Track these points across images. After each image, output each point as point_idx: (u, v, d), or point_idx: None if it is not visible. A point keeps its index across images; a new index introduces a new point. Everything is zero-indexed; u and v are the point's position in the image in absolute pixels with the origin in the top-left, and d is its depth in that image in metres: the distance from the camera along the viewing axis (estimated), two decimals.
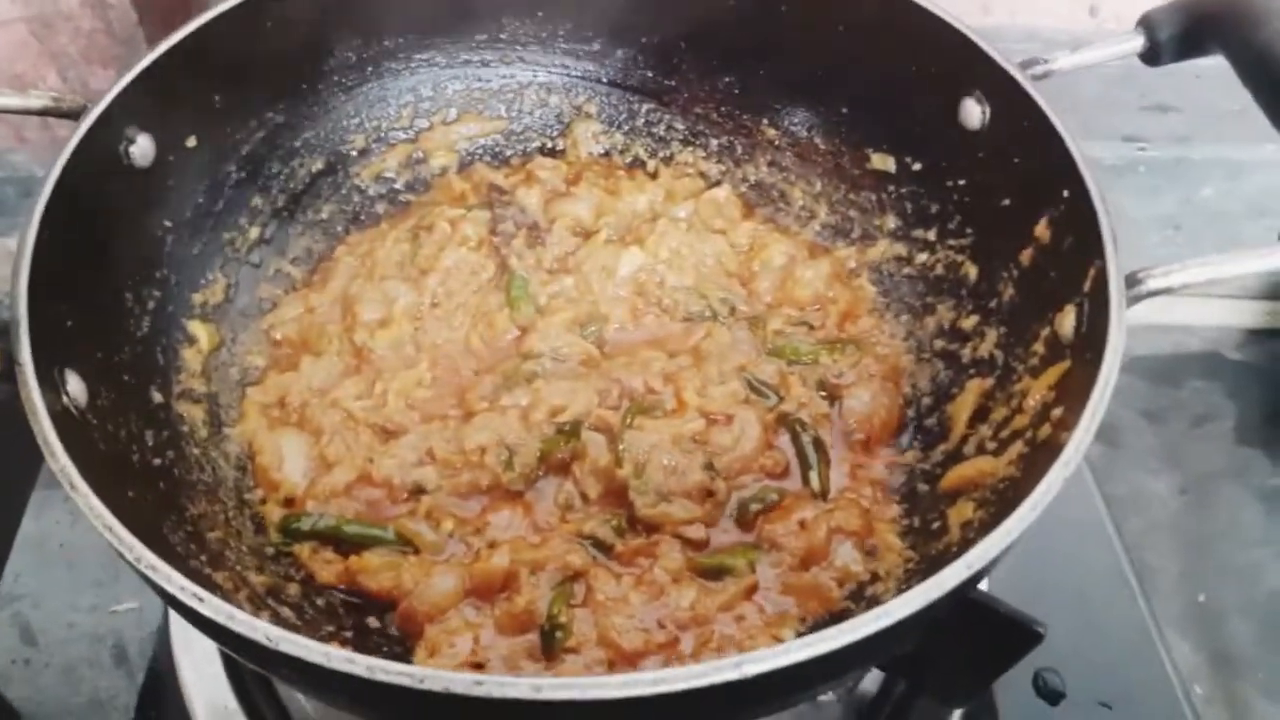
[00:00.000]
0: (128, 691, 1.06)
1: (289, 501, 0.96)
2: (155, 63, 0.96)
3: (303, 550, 0.92)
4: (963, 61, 1.00)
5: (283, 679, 0.72)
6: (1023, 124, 0.96)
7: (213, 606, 0.64)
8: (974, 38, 0.99)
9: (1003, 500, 0.85)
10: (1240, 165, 1.66)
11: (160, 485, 0.89)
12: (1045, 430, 0.85)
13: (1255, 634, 1.46)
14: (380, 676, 0.61)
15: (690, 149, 1.24)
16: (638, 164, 1.24)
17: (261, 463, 0.98)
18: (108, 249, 0.94)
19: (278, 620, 0.84)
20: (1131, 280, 0.84)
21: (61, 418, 0.76)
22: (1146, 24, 0.99)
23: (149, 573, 0.66)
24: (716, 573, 0.93)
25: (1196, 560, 1.54)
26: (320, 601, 0.90)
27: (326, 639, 0.84)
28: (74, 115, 0.92)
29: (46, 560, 1.13)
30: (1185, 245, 1.70)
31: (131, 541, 0.67)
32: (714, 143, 1.24)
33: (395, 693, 0.62)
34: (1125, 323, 0.81)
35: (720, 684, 0.62)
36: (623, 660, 0.86)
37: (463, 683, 0.61)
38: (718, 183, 1.23)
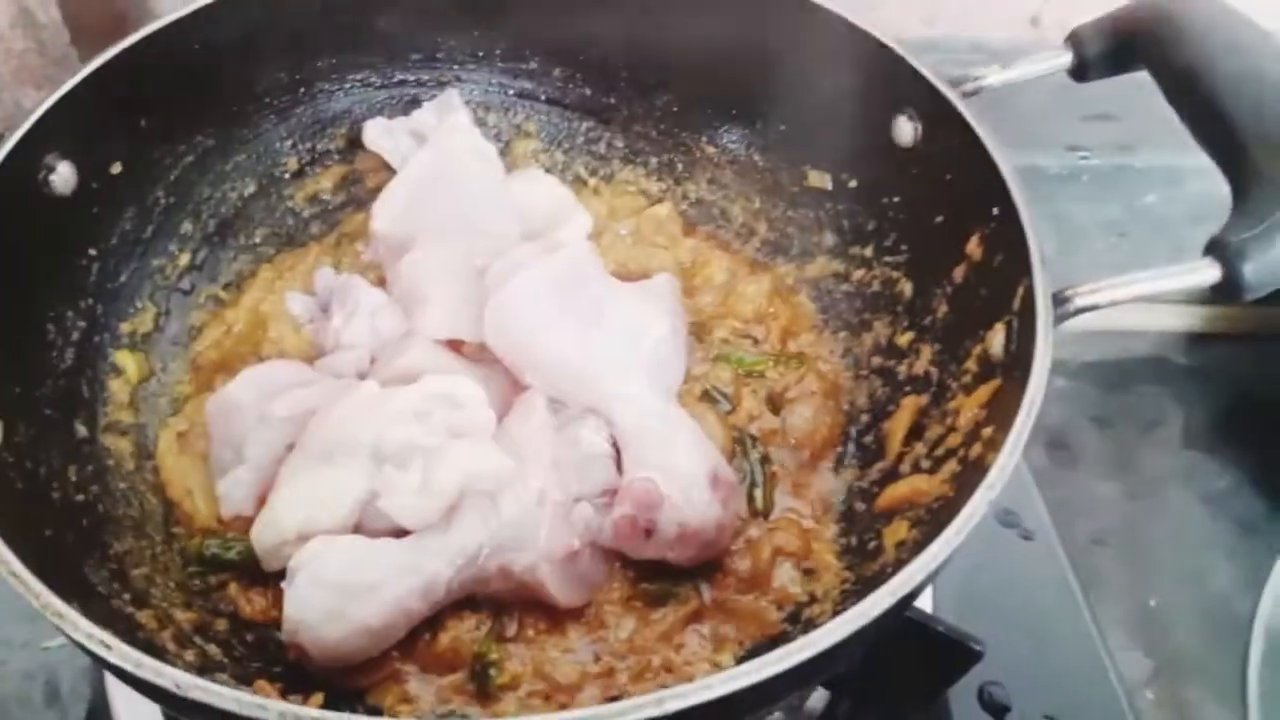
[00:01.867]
0: None
1: (207, 533, 0.94)
2: (76, 89, 0.94)
3: (230, 585, 0.90)
4: (894, 79, 1.00)
5: None
6: (953, 141, 0.96)
7: (119, 653, 0.63)
8: (904, 55, 0.99)
9: (936, 520, 0.85)
10: (1181, 172, 1.69)
11: (83, 522, 0.87)
12: (976, 449, 0.85)
13: (1205, 637, 1.47)
14: None
15: (631, 167, 1.24)
16: (578, 182, 1.23)
17: (172, 495, 0.96)
18: (27, 280, 0.92)
19: (204, 658, 0.83)
20: (1059, 299, 0.84)
21: None
22: (1075, 40, 1.00)
23: (55, 620, 0.65)
24: (660, 599, 0.92)
25: (1147, 565, 1.54)
26: (250, 637, 0.88)
27: (254, 676, 0.82)
28: None
29: None
30: (1130, 252, 1.72)
31: (39, 588, 0.66)
32: (654, 160, 1.23)
33: None
34: (1051, 341, 0.81)
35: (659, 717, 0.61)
36: (558, 693, 0.85)
37: None
38: (659, 200, 1.22)
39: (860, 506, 0.96)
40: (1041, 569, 1.23)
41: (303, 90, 1.17)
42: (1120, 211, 1.72)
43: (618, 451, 0.95)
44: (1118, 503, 1.62)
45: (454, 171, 1.09)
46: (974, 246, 0.95)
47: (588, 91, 1.23)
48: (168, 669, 0.61)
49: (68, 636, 0.65)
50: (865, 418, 1.03)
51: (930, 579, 0.71)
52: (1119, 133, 1.70)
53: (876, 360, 1.05)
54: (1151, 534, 1.58)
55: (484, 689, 0.86)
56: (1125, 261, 0.90)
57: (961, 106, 0.96)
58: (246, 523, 0.92)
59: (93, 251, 1.01)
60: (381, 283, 1.06)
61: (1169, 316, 1.83)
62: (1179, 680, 1.45)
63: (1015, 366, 0.84)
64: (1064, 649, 1.16)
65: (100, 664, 0.65)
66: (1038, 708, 1.08)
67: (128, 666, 0.62)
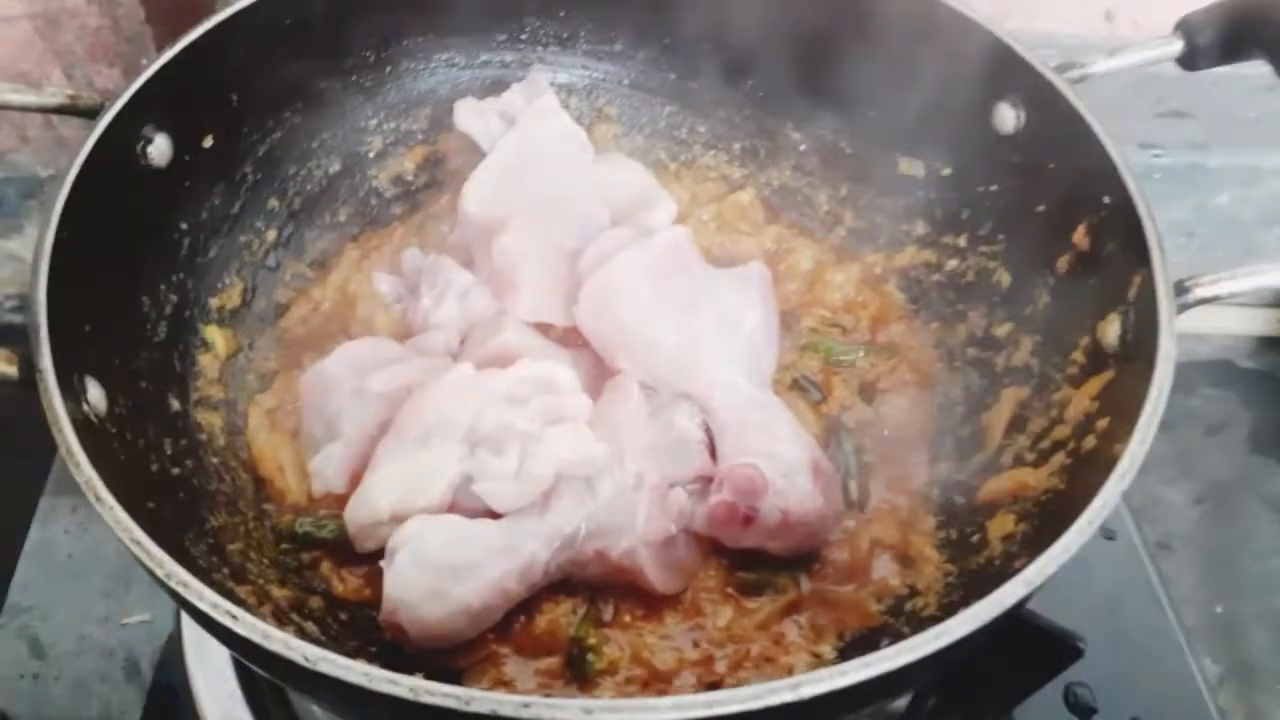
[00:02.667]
0: (139, 705, 1.03)
1: (300, 510, 0.93)
2: (172, 60, 0.94)
3: (323, 563, 0.89)
4: (997, 65, 0.98)
5: (317, 700, 0.69)
6: (1060, 129, 0.94)
7: (247, 625, 0.62)
8: (1009, 41, 0.98)
9: (1046, 513, 0.83)
10: (1256, 172, 1.65)
11: (180, 496, 0.86)
12: (1090, 441, 0.83)
13: (1273, 644, 1.45)
14: (425, 699, 0.59)
15: (712, 152, 1.22)
16: (659, 166, 1.22)
17: (263, 472, 0.95)
18: (126, 252, 0.92)
19: (302, 635, 0.81)
20: (1179, 288, 0.83)
21: (83, 426, 0.74)
22: (1185, 28, 0.98)
23: (180, 589, 0.64)
24: (757, 588, 0.91)
25: (1214, 571, 1.53)
26: (344, 616, 0.87)
27: (352, 654, 0.81)
28: (91, 113, 0.90)
29: (54, 571, 1.10)
30: (1198, 253, 1.69)
31: (161, 557, 0.65)
32: (737, 146, 1.22)
33: (439, 715, 0.60)
34: (1175, 331, 0.79)
35: (775, 706, 0.59)
36: (656, 680, 0.84)
37: (510, 705, 0.59)
38: (740, 186, 1.21)
39: (959, 499, 0.94)
40: (1124, 568, 1.21)
41: (389, 69, 1.16)
42: (1190, 211, 1.69)
43: (709, 438, 0.94)
44: (1183, 508, 1.60)
45: (544, 154, 1.08)
46: (1081, 236, 0.93)
47: (672, 75, 1.21)
48: (297, 641, 0.61)
49: (189, 607, 0.64)
50: (961, 409, 1.01)
51: (1060, 570, 0.69)
52: (1193, 130, 1.67)
53: (972, 352, 1.03)
54: (1217, 540, 1.56)
55: (581, 673, 0.84)
56: (1193, 263, 0.88)
57: (1070, 94, 0.94)
58: (338, 500, 0.91)
59: (184, 225, 1.00)
60: (467, 264, 1.05)
61: (1233, 320, 1.80)
62: (1248, 687, 1.43)
63: (1132, 358, 0.82)
64: (1148, 649, 1.14)
65: (221, 635, 0.64)
66: (1125, 709, 1.07)
67: (255, 638, 0.61)
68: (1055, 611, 0.92)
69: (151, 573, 0.65)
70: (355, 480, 0.89)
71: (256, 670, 0.68)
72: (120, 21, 1.43)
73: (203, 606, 0.63)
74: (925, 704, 1.02)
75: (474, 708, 0.59)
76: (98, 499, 0.67)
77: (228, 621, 0.62)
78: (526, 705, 0.59)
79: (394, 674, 0.59)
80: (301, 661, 0.60)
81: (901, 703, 1.02)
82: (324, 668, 0.60)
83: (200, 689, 0.99)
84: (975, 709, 0.98)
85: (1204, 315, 1.78)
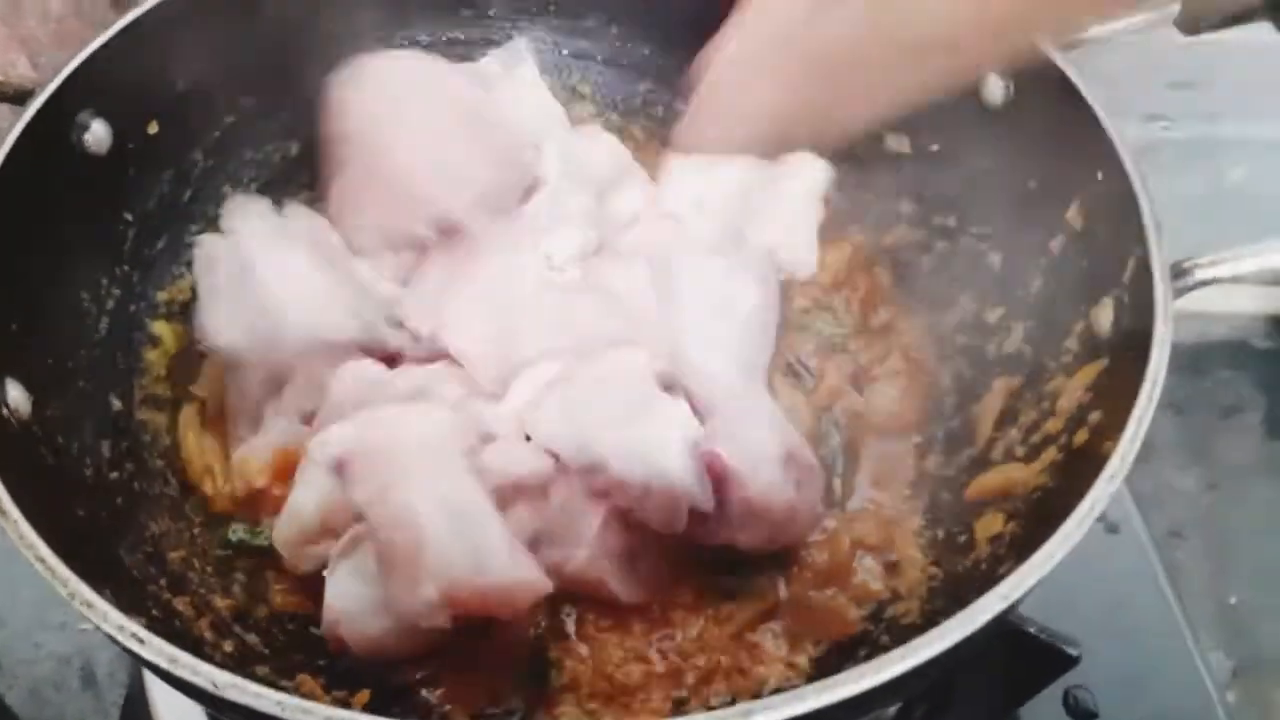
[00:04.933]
0: (95, 714, 0.99)
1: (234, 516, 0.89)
2: (108, 44, 0.90)
3: (267, 572, 0.85)
4: None
5: None
6: (1050, 100, 0.89)
7: (154, 648, 0.57)
8: None
9: (1035, 512, 0.78)
10: (1272, 144, 1.58)
11: (117, 501, 0.82)
12: (1081, 435, 0.78)
13: None
14: None
15: None
16: (637, 145, 1.16)
17: (192, 475, 0.90)
18: (61, 245, 0.87)
19: (244, 648, 0.78)
20: (1177, 270, 0.77)
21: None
22: None
23: (84, 610, 0.59)
24: (732, 594, 0.86)
25: (1227, 560, 1.47)
26: (291, 626, 0.82)
27: (296, 669, 0.77)
28: (20, 100, 0.85)
29: (11, 576, 1.06)
30: (1214, 230, 1.61)
31: (66, 575, 0.60)
32: None
33: None
34: (1171, 317, 0.74)
35: None
36: (621, 695, 0.79)
37: None
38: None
39: (946, 496, 0.89)
40: (1128, 564, 1.15)
41: (349, 48, 1.10)
42: (1203, 187, 1.62)
43: None
44: (1195, 494, 1.54)
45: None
46: (1074, 214, 0.87)
47: (646, 50, 1.16)
48: (204, 666, 0.56)
49: (98, 628, 0.60)
50: (951, 400, 0.96)
51: (1043, 580, 0.64)
52: (1204, 101, 1.60)
53: (962, 339, 0.98)
54: (1232, 527, 1.50)
55: (541, 688, 0.80)
56: (1208, 240, 0.82)
57: (1061, 62, 0.88)
58: (266, 501, 0.87)
59: (129, 216, 0.95)
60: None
61: (1248, 299, 1.73)
62: (1263, 681, 1.37)
63: (1126, 345, 0.77)
64: (1154, 650, 1.08)
65: (133, 658, 0.60)
66: (1128, 714, 1.01)
67: (162, 663, 0.57)
68: (1053, 612, 0.87)
69: (57, 591, 0.61)
70: (278, 474, 0.84)
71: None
72: (84, 6, 1.39)
73: (108, 629, 0.59)
74: (914, 712, 0.97)
75: None
76: (1, 512, 0.62)
77: (134, 646, 0.58)
78: None
79: (308, 702, 0.55)
80: (210, 689, 0.56)
81: (890, 711, 0.98)
82: (232, 695, 0.55)
83: (157, 696, 0.95)
84: (969, 718, 0.93)
85: (1217, 295, 1.72)
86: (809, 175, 1.03)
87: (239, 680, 0.55)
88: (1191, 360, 1.65)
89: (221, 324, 0.87)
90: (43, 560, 0.61)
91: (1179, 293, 0.76)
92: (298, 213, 0.95)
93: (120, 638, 0.58)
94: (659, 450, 0.80)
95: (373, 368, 0.87)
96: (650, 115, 1.18)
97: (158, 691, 0.95)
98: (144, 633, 0.58)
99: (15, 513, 0.62)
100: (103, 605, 0.59)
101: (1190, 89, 1.61)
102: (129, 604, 0.63)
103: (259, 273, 0.87)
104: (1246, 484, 1.54)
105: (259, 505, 0.86)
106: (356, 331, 0.88)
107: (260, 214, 0.93)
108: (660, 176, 1.04)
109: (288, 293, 0.86)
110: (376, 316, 0.90)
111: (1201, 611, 1.35)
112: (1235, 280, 0.78)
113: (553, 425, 0.81)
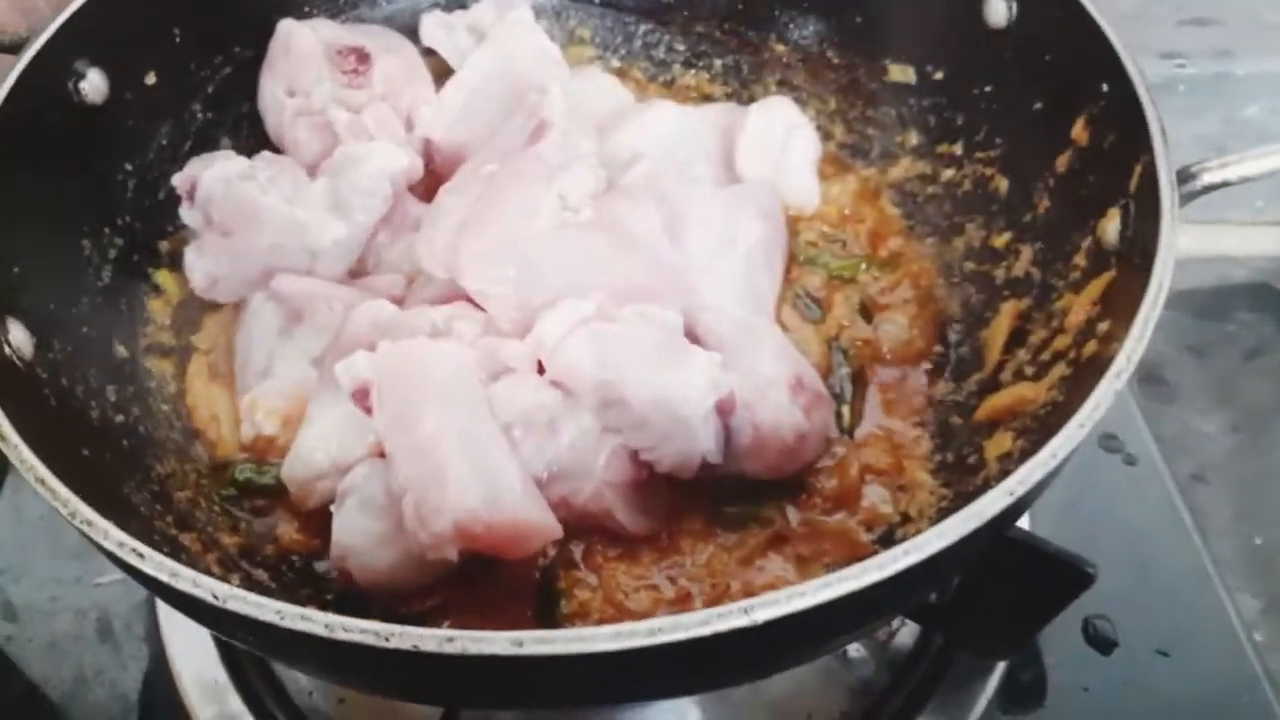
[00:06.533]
0: (113, 667, 1.00)
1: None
2: None
3: (276, 510, 0.85)
4: None
5: (242, 643, 0.65)
6: (1053, 15, 0.87)
7: (153, 563, 0.57)
8: None
9: (1045, 427, 0.76)
10: None
11: (123, 443, 0.82)
12: (1091, 347, 0.76)
13: None
14: (340, 635, 0.54)
15: (693, 71, 1.16)
16: (638, 88, 1.15)
17: (197, 422, 0.90)
18: (61, 193, 0.88)
19: (250, 583, 0.78)
20: (1184, 175, 0.76)
21: (3, 368, 0.70)
22: None
23: (84, 528, 0.59)
24: (741, 522, 0.85)
25: (1252, 501, 1.44)
26: (298, 562, 0.83)
27: (304, 602, 0.76)
28: (15, 49, 0.85)
29: (26, 533, 1.08)
30: None
31: (67, 495, 0.60)
32: (718, 63, 1.15)
33: (360, 653, 0.55)
34: (1178, 221, 0.72)
35: (726, 632, 0.54)
36: (630, 620, 0.78)
37: (433, 639, 0.54)
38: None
39: (956, 420, 0.88)
40: (1147, 496, 1.13)
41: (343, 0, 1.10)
42: (1219, 124, 1.59)
43: None
44: (1218, 437, 1.51)
45: (516, 75, 1.02)
46: (1080, 130, 0.86)
47: None
48: (205, 579, 0.56)
49: (98, 547, 0.60)
50: (959, 327, 0.95)
51: (1048, 480, 0.63)
52: (1218, 38, 1.57)
53: (969, 265, 0.97)
54: (1256, 468, 1.47)
55: (550, 617, 0.79)
56: None
57: None
58: (270, 446, 0.88)
59: (129, 166, 0.96)
60: (428, 197, 1.00)
61: (1269, 240, 1.71)
62: None
63: (1133, 253, 0.75)
64: (1174, 579, 1.07)
65: (135, 576, 0.60)
66: (1149, 642, 1.00)
67: (162, 576, 0.57)
68: (1071, 542, 0.86)
69: (58, 512, 0.61)
70: (287, 423, 0.84)
71: (180, 613, 0.64)
72: None
73: (108, 545, 0.58)
74: (932, 642, 0.96)
75: (393, 644, 0.54)
76: (2, 437, 0.62)
77: (134, 560, 0.58)
78: (450, 640, 0.54)
79: (308, 610, 0.55)
80: (210, 600, 0.56)
81: (908, 640, 0.97)
82: (233, 605, 0.55)
83: (174, 648, 0.96)
84: (985, 645, 0.92)
85: (1239, 237, 1.70)
86: (782, 112, 1.03)
87: (238, 591, 0.55)
88: (1213, 303, 1.63)
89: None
90: (43, 481, 0.61)
91: (1186, 198, 0.74)
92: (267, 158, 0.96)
93: (120, 554, 0.58)
94: (683, 401, 0.80)
95: (388, 307, 0.87)
96: (651, 58, 1.17)
97: (176, 645, 0.96)
98: (143, 548, 0.58)
99: (15, 437, 0.62)
100: (102, 523, 0.59)
101: (1203, 26, 1.58)
102: (135, 538, 0.63)
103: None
104: (1270, 426, 1.51)
105: (265, 451, 0.87)
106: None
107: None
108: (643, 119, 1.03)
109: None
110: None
111: (1227, 552, 1.33)
112: (1242, 182, 0.75)
113: (579, 357, 0.80)
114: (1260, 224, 1.67)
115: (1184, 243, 0.76)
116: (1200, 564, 1.09)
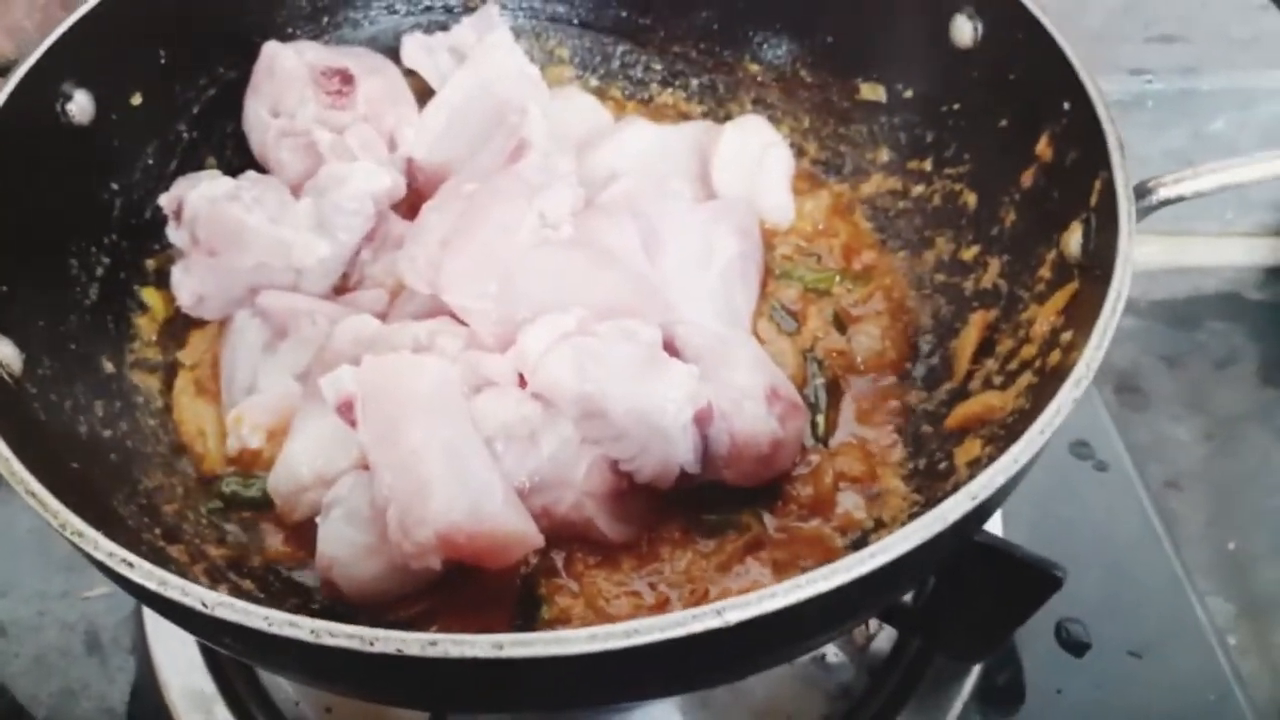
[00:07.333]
0: (100, 680, 1.01)
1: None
2: (91, 13, 0.91)
3: (261, 523, 0.86)
4: None
5: (229, 650, 0.66)
6: (1017, 37, 0.90)
7: (142, 571, 0.59)
8: None
9: (1011, 434, 0.78)
10: (1252, 95, 1.58)
11: (111, 457, 0.84)
12: (1055, 356, 0.79)
13: None
14: (327, 640, 0.56)
15: (670, 90, 1.18)
16: (616, 106, 1.18)
17: (184, 436, 0.92)
18: (48, 212, 0.89)
19: (237, 593, 0.79)
20: (1141, 190, 0.78)
21: None
22: None
23: (75, 539, 0.61)
24: (719, 529, 0.87)
25: (1225, 507, 1.47)
26: (285, 574, 0.84)
27: (292, 612, 0.78)
28: (2, 71, 0.87)
29: (14, 546, 1.09)
30: None
31: (57, 508, 0.62)
32: (694, 82, 1.17)
33: (345, 658, 0.56)
34: (1135, 233, 0.75)
35: (701, 633, 0.56)
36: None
37: (416, 643, 0.55)
38: None
39: (928, 429, 0.90)
40: (1118, 502, 1.16)
41: (326, 20, 1.12)
42: (1185, 139, 1.63)
43: None
44: (1191, 444, 1.54)
45: (495, 96, 1.04)
46: (1044, 147, 0.89)
47: (623, 13, 1.17)
48: (193, 586, 0.57)
49: (88, 557, 0.61)
50: (930, 338, 0.97)
51: (1010, 484, 0.65)
52: (1185, 54, 1.60)
53: (940, 278, 0.99)
54: (1228, 475, 1.50)
55: (532, 623, 0.81)
56: None
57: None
58: (256, 460, 0.89)
59: (115, 185, 0.97)
60: (412, 215, 1.02)
61: (1239, 251, 1.74)
62: (1264, 625, 1.37)
63: (1095, 265, 0.78)
64: (1146, 585, 1.09)
65: (124, 585, 0.61)
66: (1120, 645, 1.02)
67: (151, 585, 0.58)
68: (1043, 547, 0.89)
69: (49, 524, 0.62)
70: (272, 437, 0.86)
71: (168, 622, 0.65)
72: None
73: (98, 556, 0.60)
74: (909, 645, 0.98)
75: (377, 648, 0.55)
76: None
77: (123, 570, 0.59)
78: (432, 643, 0.55)
79: (295, 616, 0.56)
80: (199, 607, 0.57)
81: (886, 645, 0.99)
82: (221, 612, 0.57)
83: (161, 659, 0.97)
84: (961, 647, 0.94)
85: (1210, 247, 1.73)
86: (757, 130, 1.05)
87: (226, 598, 0.57)
88: (1185, 313, 1.66)
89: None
90: (33, 494, 0.62)
91: (1143, 212, 0.77)
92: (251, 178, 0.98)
93: (110, 563, 0.59)
94: (662, 413, 0.82)
95: (372, 322, 0.89)
96: (629, 77, 1.19)
97: (163, 656, 0.97)
98: (132, 557, 0.59)
99: (6, 451, 0.64)
100: (92, 534, 0.60)
101: (1170, 43, 1.62)
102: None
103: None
104: (1242, 433, 1.54)
105: (251, 465, 0.89)
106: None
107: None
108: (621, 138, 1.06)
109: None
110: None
111: (1201, 558, 1.36)
112: (1197, 196, 0.78)
113: (561, 371, 0.82)
114: (1230, 235, 1.70)
115: (1156, 254, 0.79)
116: (1171, 568, 1.11)
